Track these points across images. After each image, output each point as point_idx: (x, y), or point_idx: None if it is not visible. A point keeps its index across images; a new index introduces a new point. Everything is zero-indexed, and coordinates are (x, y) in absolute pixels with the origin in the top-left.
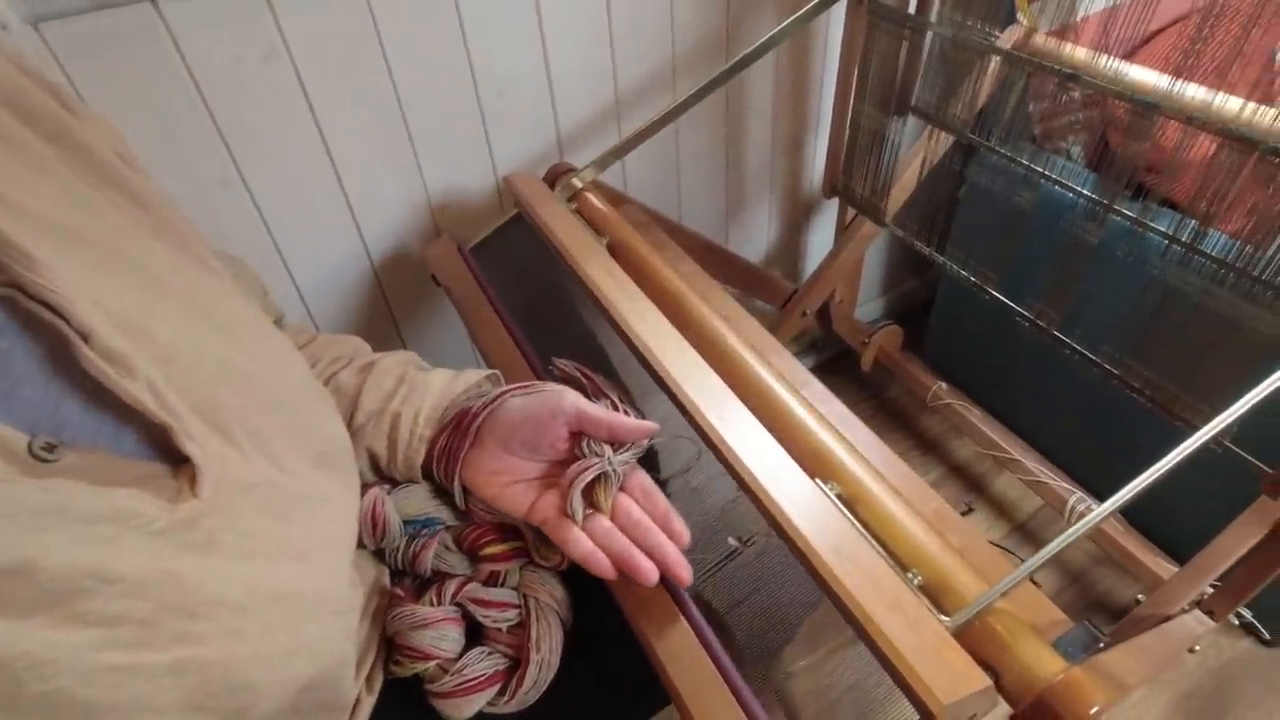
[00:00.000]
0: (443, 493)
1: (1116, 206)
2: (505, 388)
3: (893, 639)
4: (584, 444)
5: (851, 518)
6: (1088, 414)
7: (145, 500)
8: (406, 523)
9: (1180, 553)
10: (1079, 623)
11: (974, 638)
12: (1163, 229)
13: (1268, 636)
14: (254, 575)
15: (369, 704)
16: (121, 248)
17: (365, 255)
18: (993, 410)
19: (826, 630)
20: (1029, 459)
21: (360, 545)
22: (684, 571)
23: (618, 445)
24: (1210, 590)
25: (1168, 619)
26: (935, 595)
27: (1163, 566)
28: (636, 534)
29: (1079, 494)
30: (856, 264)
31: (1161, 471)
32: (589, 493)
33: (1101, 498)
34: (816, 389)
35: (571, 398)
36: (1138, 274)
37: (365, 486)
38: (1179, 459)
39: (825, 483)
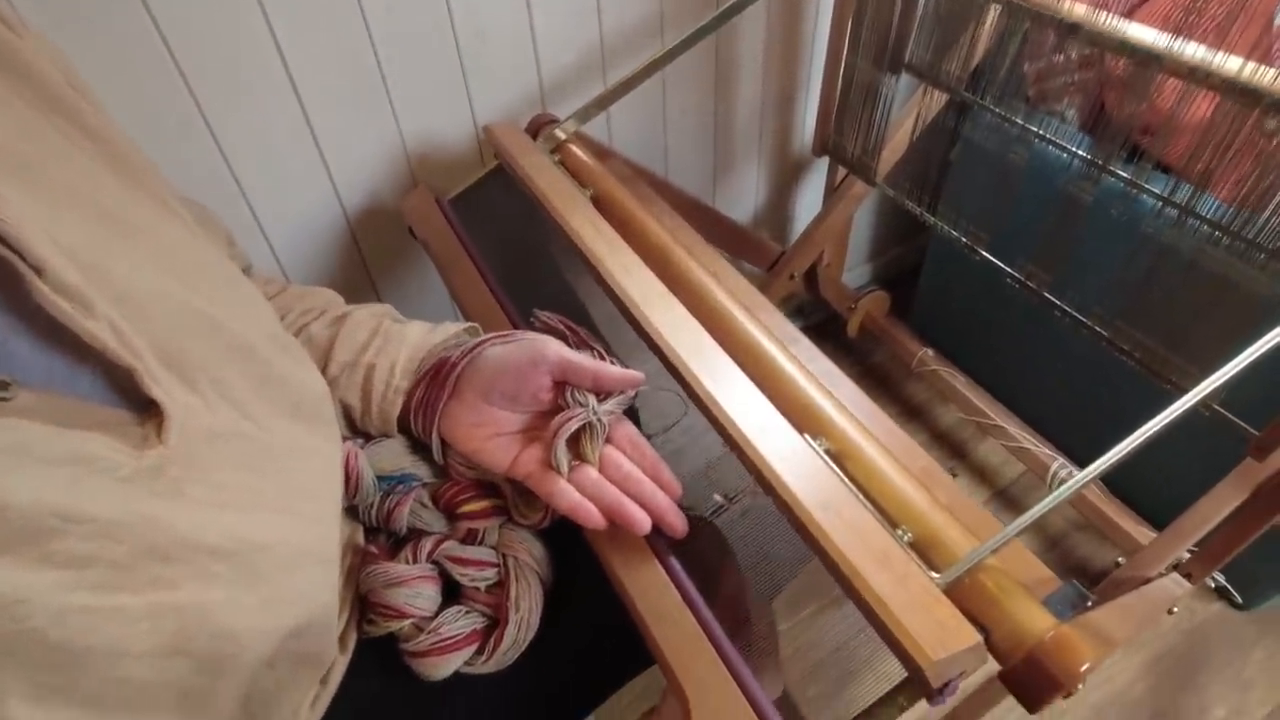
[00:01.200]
0: (420, 448)
1: (1111, 167)
2: (485, 336)
3: (881, 595)
4: (568, 394)
5: (840, 473)
6: (1072, 382)
7: (108, 445)
8: (381, 479)
9: (1158, 521)
10: (1067, 581)
11: (963, 594)
12: (1157, 191)
13: (1239, 600)
14: (230, 524)
15: (342, 663)
16: (74, 182)
17: (339, 207)
18: (977, 378)
19: (810, 593)
20: (1012, 425)
21: None
22: (678, 521)
23: (603, 395)
24: (1187, 555)
25: (1147, 581)
26: (924, 552)
27: (1141, 532)
28: (627, 486)
29: (1061, 460)
30: (845, 226)
31: (1150, 433)
32: (574, 444)
33: (1083, 465)
34: (804, 346)
35: (555, 346)
36: (1130, 236)
37: None
38: (1168, 420)
39: (813, 438)
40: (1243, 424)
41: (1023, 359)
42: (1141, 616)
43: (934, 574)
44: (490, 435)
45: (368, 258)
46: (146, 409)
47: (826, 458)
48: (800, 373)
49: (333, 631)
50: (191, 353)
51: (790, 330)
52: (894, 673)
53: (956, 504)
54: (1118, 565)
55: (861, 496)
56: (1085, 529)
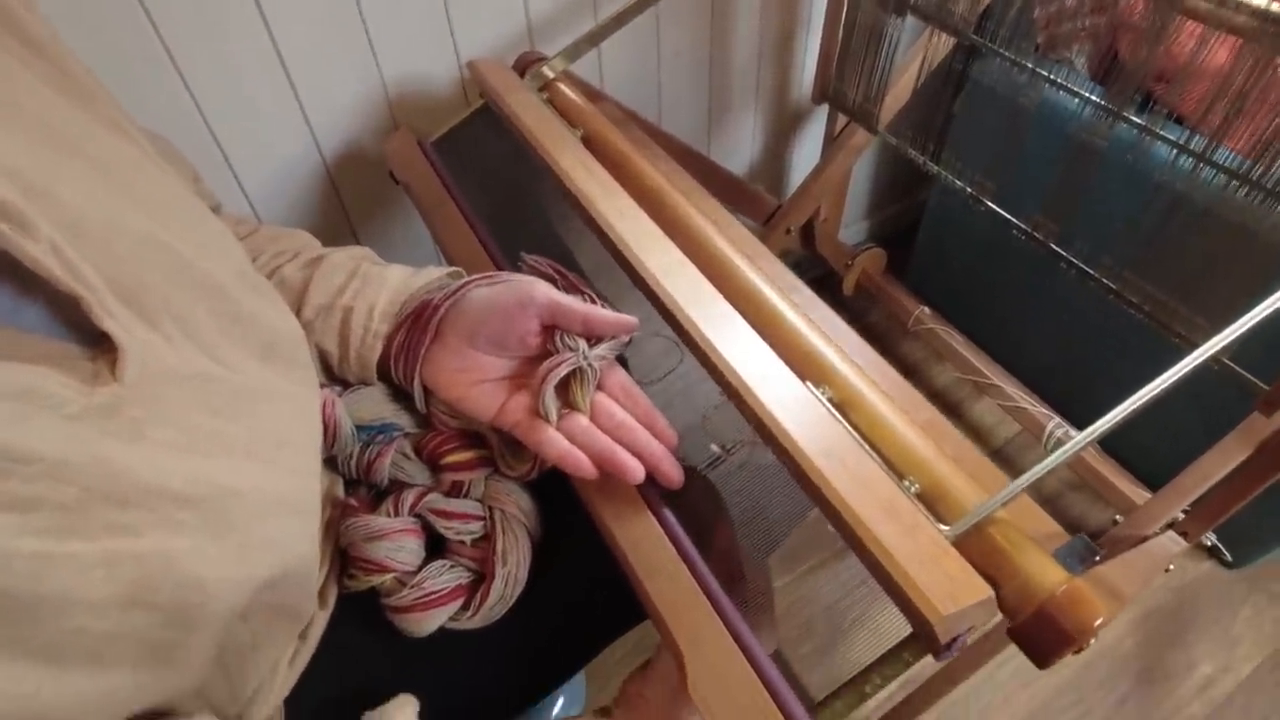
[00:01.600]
0: (401, 396)
1: (1124, 113)
2: (469, 278)
3: (888, 546)
4: (557, 338)
5: (844, 422)
6: (1069, 343)
7: (55, 379)
8: (360, 428)
9: (1150, 481)
10: (1076, 535)
11: (972, 548)
12: (1173, 138)
13: (1229, 559)
14: (195, 469)
15: (323, 619)
16: (17, 99)
17: (316, 152)
18: (973, 337)
19: (803, 551)
20: (1008, 385)
21: None
22: (674, 470)
23: (594, 340)
24: (1182, 515)
25: (1144, 539)
26: (931, 504)
27: (1136, 492)
28: (620, 434)
29: (1057, 420)
30: (844, 179)
31: (1161, 388)
32: (563, 391)
33: (1079, 425)
34: (805, 294)
35: (543, 288)
36: (1142, 185)
37: None
38: (1180, 374)
39: (816, 386)
40: (1252, 378)
41: (1020, 319)
42: (1145, 572)
43: (942, 526)
44: (475, 382)
45: (348, 204)
46: (98, 343)
47: (830, 406)
48: (802, 320)
49: (311, 584)
50: (152, 287)
51: (790, 279)
52: (886, 629)
53: (963, 456)
54: (1115, 523)
55: (866, 446)
56: (1079, 489)
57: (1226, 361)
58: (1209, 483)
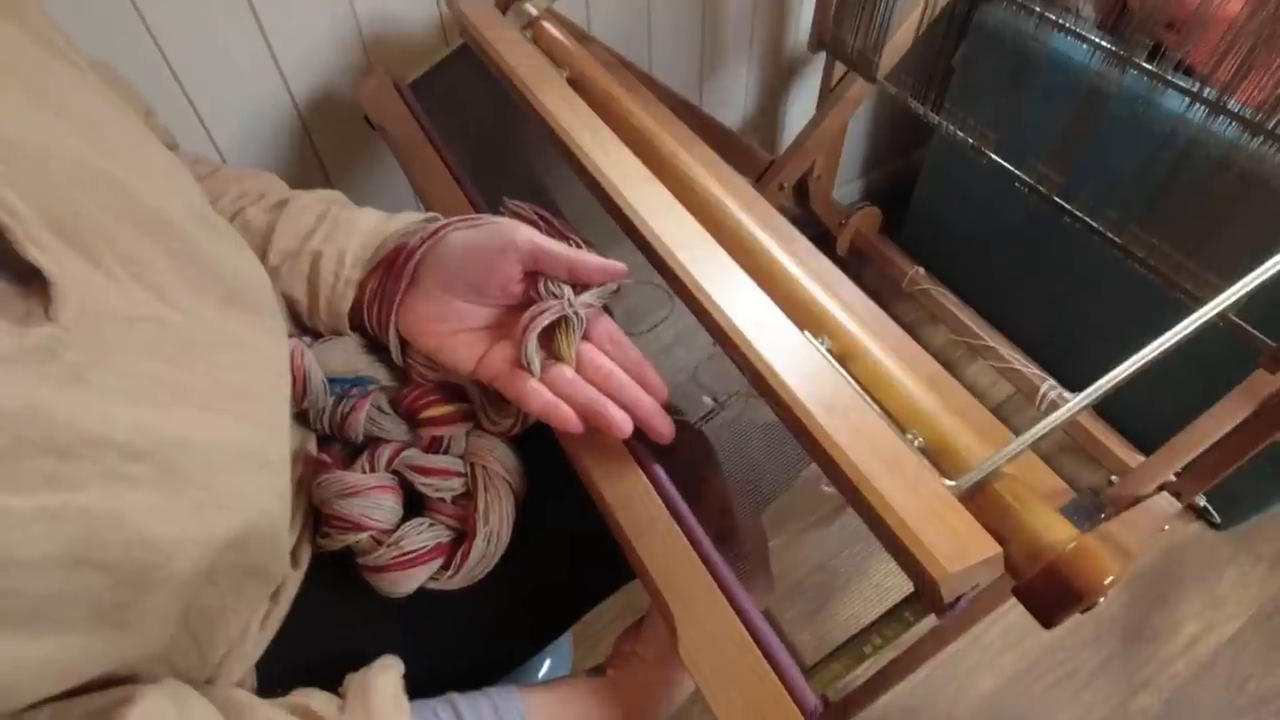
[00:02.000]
0: (377, 348)
1: (1134, 59)
2: (448, 220)
3: (891, 501)
4: (541, 285)
5: (844, 373)
6: (1065, 305)
7: None
8: (332, 381)
9: (1139, 445)
10: (1083, 491)
11: (978, 504)
12: (1185, 85)
13: (1218, 520)
14: (145, 419)
15: (295, 579)
16: None
17: (287, 95)
18: (968, 299)
19: (793, 513)
20: (1003, 347)
21: None
22: (664, 425)
23: (580, 287)
24: (1174, 477)
25: (1139, 500)
26: (936, 458)
27: (1129, 454)
28: (607, 386)
29: (1051, 382)
30: (839, 133)
31: (1169, 344)
32: (547, 340)
33: (1072, 389)
34: (803, 244)
35: (526, 231)
36: (1151, 135)
37: None
38: (1188, 331)
39: (815, 336)
40: (1259, 334)
41: (1015, 280)
42: (1148, 530)
43: (948, 481)
44: (454, 331)
45: (322, 152)
46: (29, 280)
47: (829, 357)
48: (800, 268)
49: (281, 544)
50: (93, 220)
51: (787, 228)
52: (871, 594)
53: (967, 410)
54: (1110, 484)
55: (868, 398)
56: (1070, 451)
57: (1233, 318)
58: (1208, 442)
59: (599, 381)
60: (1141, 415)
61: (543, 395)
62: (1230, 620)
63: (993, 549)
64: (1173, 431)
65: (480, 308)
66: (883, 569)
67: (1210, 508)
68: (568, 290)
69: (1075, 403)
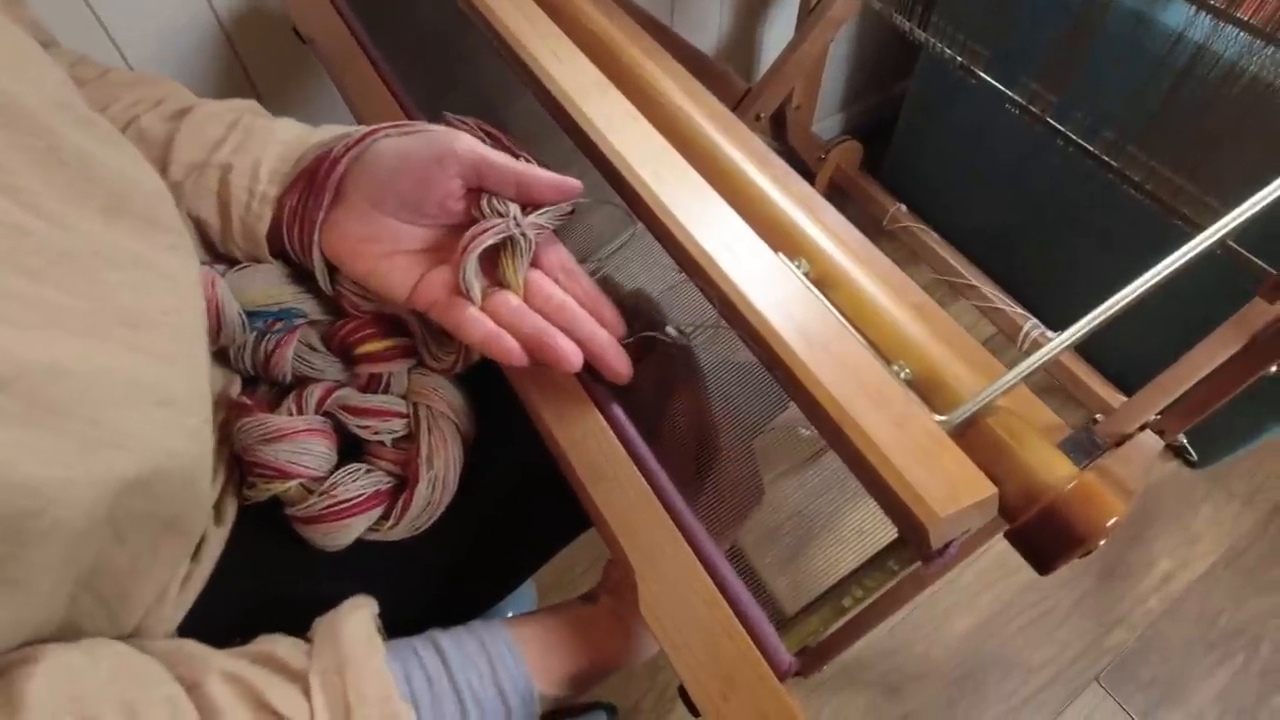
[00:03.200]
0: (305, 277)
1: None
2: (377, 126)
3: (876, 439)
4: (485, 202)
5: (824, 300)
6: (1050, 241)
7: None
8: (253, 314)
9: (1118, 384)
10: (1080, 427)
11: (970, 440)
12: None
13: (1194, 458)
14: (6, 343)
15: (219, 536)
16: None
17: (208, 8)
18: (949, 238)
19: (767, 460)
20: (985, 286)
21: None
22: (621, 362)
23: (529, 207)
24: (1156, 415)
25: (1126, 438)
26: (925, 391)
27: (1111, 394)
28: (558, 318)
29: (1034, 321)
30: (819, 58)
31: (1167, 271)
32: (492, 266)
33: (1055, 327)
34: (780, 165)
35: (467, 141)
36: (1152, 49)
37: None
38: (1188, 257)
39: (791, 259)
40: (1259, 261)
41: (999, 216)
42: (1142, 466)
43: (937, 416)
44: (386, 253)
45: (253, 71)
46: None
47: (807, 282)
48: (775, 187)
49: (197, 491)
50: None
51: (762, 148)
52: (852, 538)
53: (956, 340)
54: (1094, 422)
55: (850, 327)
56: (1049, 391)
57: (1232, 245)
58: (1196, 378)
59: (549, 313)
60: (1119, 355)
61: (484, 325)
62: (1203, 557)
63: (987, 489)
64: (1151, 371)
65: (416, 228)
66: (865, 511)
67: (1188, 445)
68: (514, 208)
69: (1078, 327)
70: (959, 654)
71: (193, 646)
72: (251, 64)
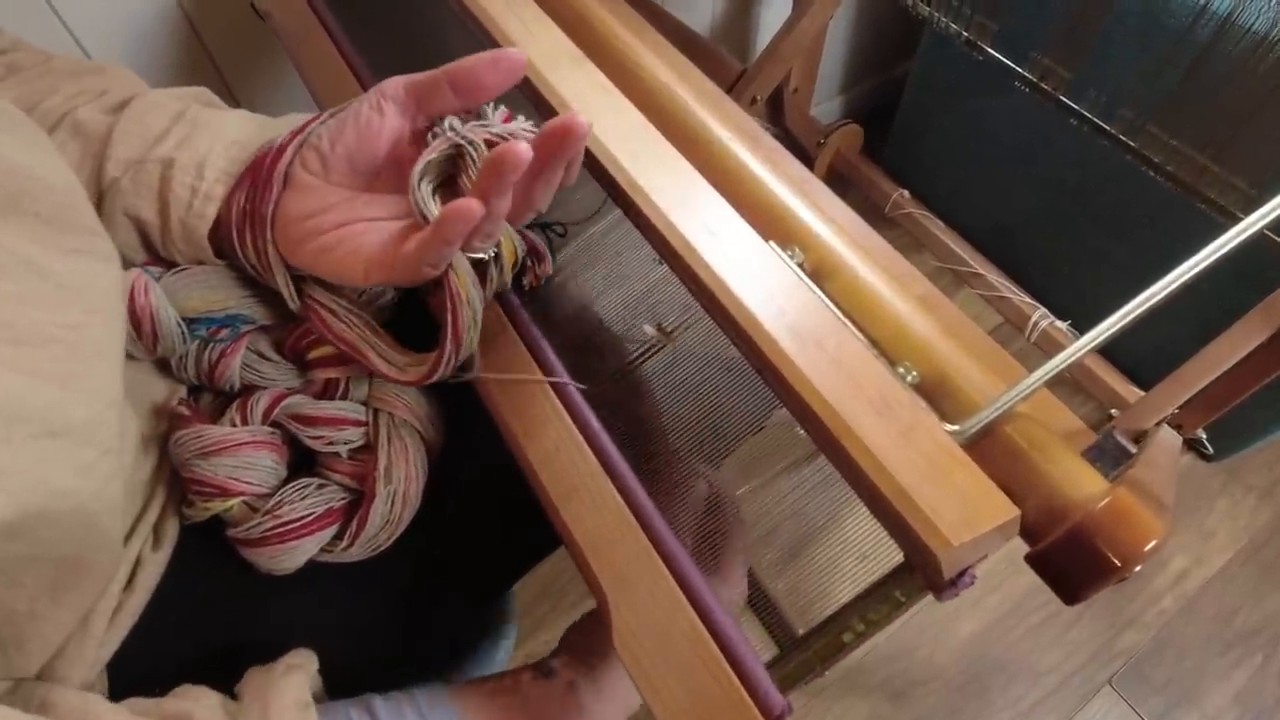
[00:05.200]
0: (254, 282)
1: None
2: (323, 111)
3: (878, 452)
4: (431, 131)
5: (820, 293)
6: (1059, 227)
7: None
8: (195, 321)
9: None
10: (1104, 432)
11: (984, 451)
12: None
13: (1210, 451)
14: None
15: (157, 561)
16: None
17: None
18: (953, 224)
19: (764, 457)
20: (991, 274)
21: (129, 355)
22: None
23: (469, 113)
24: (1175, 410)
25: (1143, 434)
26: (933, 397)
27: (1124, 386)
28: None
29: (1042, 310)
30: (817, 38)
31: (1206, 263)
32: (449, 184)
33: (1064, 317)
34: (771, 144)
35: (396, 78)
36: (1177, 19)
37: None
38: (1228, 248)
39: (784, 248)
40: None
41: (1005, 202)
42: (1167, 472)
43: (949, 426)
44: (339, 223)
45: (214, 52)
46: None
47: (801, 273)
48: (766, 169)
49: (103, 531)
50: None
51: (753, 127)
52: (852, 540)
53: (966, 337)
54: (1110, 418)
55: (849, 323)
56: (1055, 384)
57: (1269, 234)
58: (1219, 370)
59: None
60: (1128, 341)
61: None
62: (1219, 553)
63: (1008, 511)
64: (1160, 358)
65: (375, 195)
66: (868, 512)
67: (1204, 439)
68: (451, 119)
69: (1105, 326)
70: (965, 658)
71: (98, 706)
72: (212, 44)
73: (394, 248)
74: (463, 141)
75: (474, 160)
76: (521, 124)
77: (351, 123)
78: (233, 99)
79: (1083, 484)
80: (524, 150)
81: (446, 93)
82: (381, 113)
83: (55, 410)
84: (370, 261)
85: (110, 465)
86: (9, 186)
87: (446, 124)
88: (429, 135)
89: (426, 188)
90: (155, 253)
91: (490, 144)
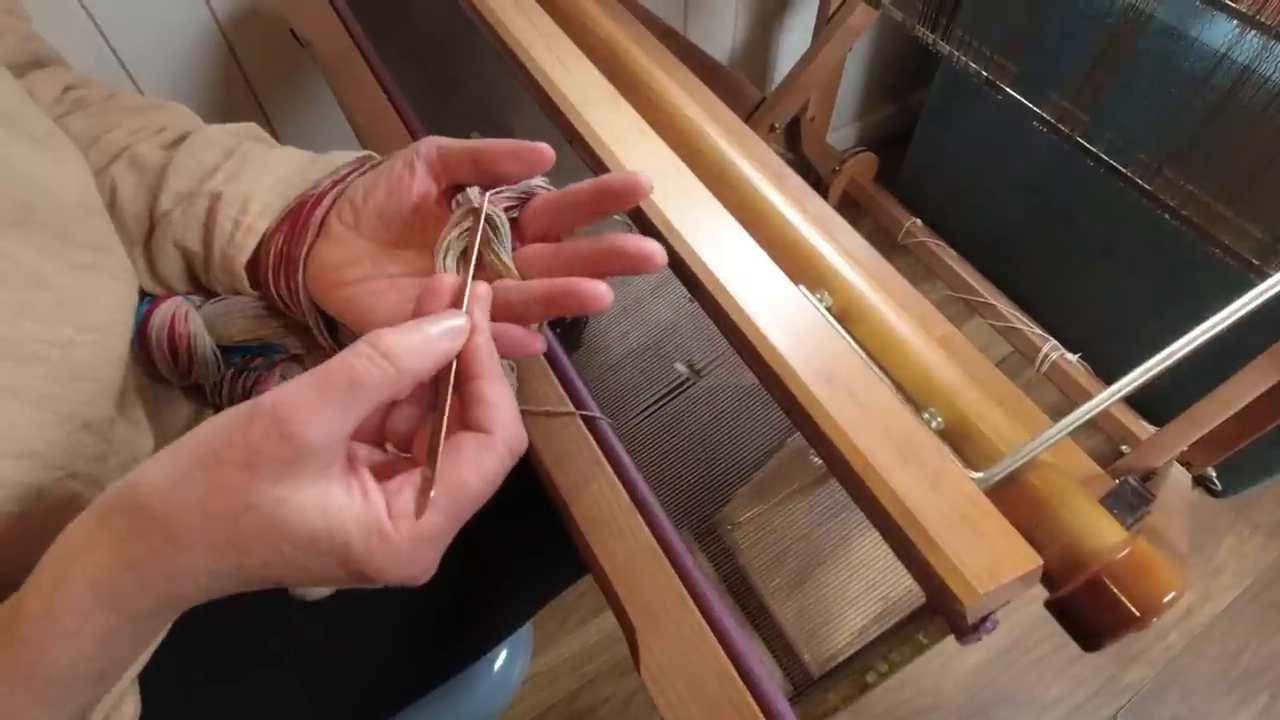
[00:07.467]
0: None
1: None
2: (367, 154)
3: (908, 501)
4: (455, 200)
5: (848, 337)
6: (1071, 260)
7: None
8: (231, 350)
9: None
10: (1121, 481)
11: (1007, 499)
12: (1240, 8)
13: (1218, 488)
14: None
15: None
16: None
17: (205, 7)
18: (965, 253)
19: (773, 484)
20: (1001, 304)
21: (160, 379)
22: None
23: (493, 185)
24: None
25: (1153, 472)
26: (957, 442)
27: (1135, 421)
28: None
29: (1053, 342)
30: (836, 68)
31: (1231, 320)
32: (478, 262)
33: (1074, 350)
34: (796, 182)
35: (433, 138)
36: (1195, 66)
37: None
38: (1258, 301)
39: (812, 291)
40: None
41: (1017, 234)
42: (1179, 515)
43: (975, 473)
44: (365, 277)
45: (251, 76)
46: None
47: (829, 316)
48: (794, 210)
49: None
50: None
51: (779, 164)
52: (860, 566)
53: (986, 380)
54: (1121, 454)
55: (876, 368)
56: (1060, 413)
57: None
58: (1230, 411)
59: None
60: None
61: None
62: (1226, 590)
63: (1032, 561)
64: (1168, 392)
65: (401, 250)
66: (877, 538)
67: (1213, 475)
68: (473, 192)
69: (1132, 378)
70: (970, 689)
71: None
72: (250, 69)
73: (408, 311)
74: (489, 213)
75: (498, 233)
76: (538, 182)
77: (385, 179)
78: (267, 121)
79: (1103, 533)
80: (605, 300)
81: (467, 166)
82: (413, 172)
83: (54, 448)
84: (386, 324)
85: (73, 488)
86: (20, 196)
87: (469, 194)
88: (451, 204)
89: (451, 264)
90: (198, 282)
91: (510, 206)
